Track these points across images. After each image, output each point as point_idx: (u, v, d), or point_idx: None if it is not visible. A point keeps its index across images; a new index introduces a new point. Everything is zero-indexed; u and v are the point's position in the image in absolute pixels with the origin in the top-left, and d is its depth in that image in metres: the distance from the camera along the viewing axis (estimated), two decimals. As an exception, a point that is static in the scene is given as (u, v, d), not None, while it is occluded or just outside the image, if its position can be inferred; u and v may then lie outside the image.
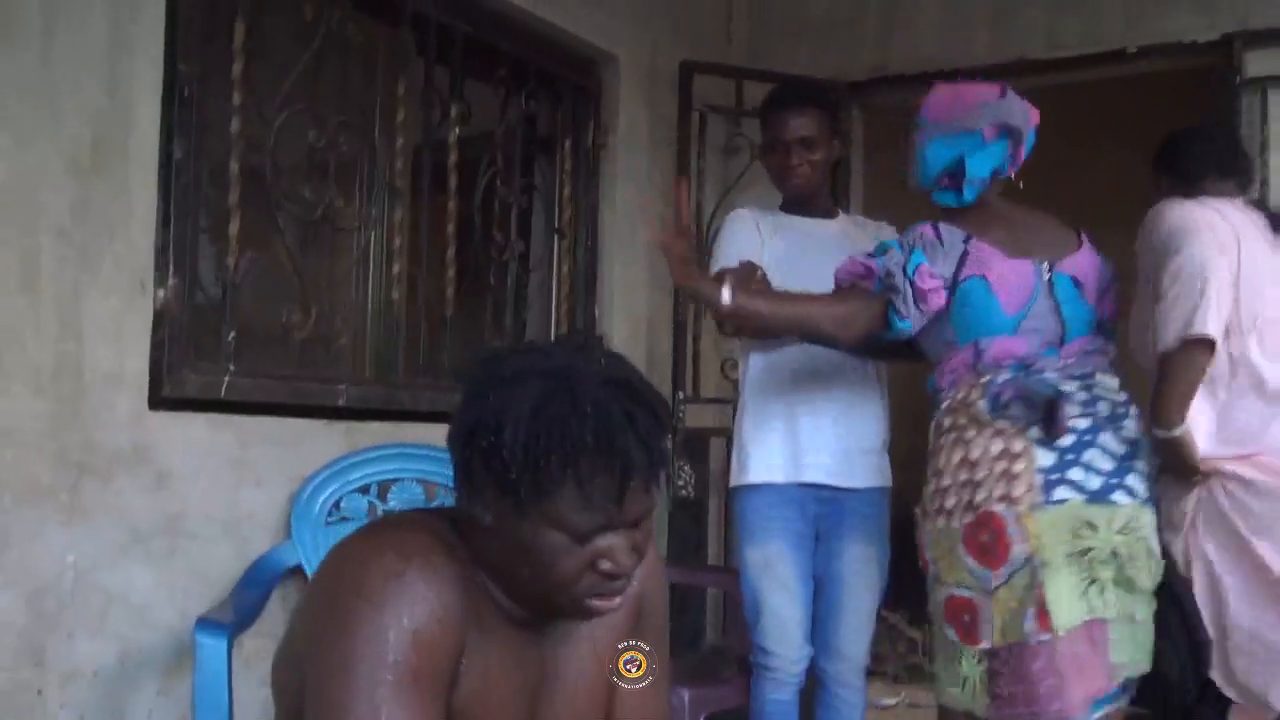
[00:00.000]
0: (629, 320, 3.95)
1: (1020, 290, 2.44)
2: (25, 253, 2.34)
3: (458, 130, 3.36)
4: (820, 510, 2.95)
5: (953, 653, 2.43)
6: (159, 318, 2.56)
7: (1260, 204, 3.09)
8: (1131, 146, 6.21)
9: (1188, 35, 3.77)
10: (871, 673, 3.19)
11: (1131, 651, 2.40)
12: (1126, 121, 6.24)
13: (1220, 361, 2.55)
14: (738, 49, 4.45)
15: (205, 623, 2.35)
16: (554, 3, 3.63)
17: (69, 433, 2.39)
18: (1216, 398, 2.58)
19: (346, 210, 3.08)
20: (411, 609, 1.32)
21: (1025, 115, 2.52)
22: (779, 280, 2.93)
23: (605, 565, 1.35)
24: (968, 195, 2.53)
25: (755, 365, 3.00)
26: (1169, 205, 2.63)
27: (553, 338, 1.41)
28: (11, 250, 2.32)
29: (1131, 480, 2.41)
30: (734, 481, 3.01)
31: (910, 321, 2.43)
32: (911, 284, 2.41)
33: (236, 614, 2.48)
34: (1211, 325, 2.46)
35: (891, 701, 4.99)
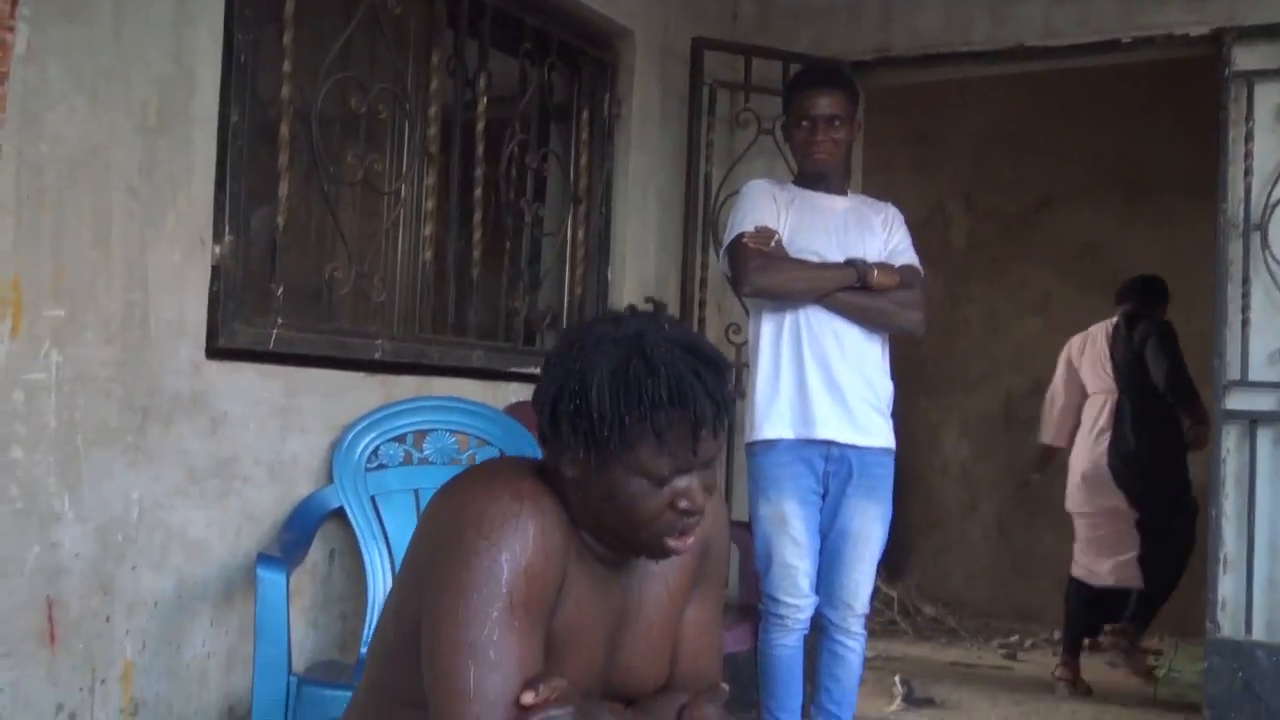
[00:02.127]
0: (639, 285, 4.12)
1: None
2: (98, 208, 2.48)
3: (485, 99, 3.50)
4: (829, 467, 3.15)
5: None
6: (216, 272, 2.71)
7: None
8: (1102, 127, 6.49)
9: (1179, 28, 3.96)
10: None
11: None
12: (1103, 103, 6.47)
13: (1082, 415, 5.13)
14: (743, 27, 4.61)
15: (265, 558, 2.52)
16: (576, -22, 3.78)
17: (135, 379, 2.55)
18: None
19: (383, 173, 3.23)
20: (524, 545, 1.50)
21: None
22: (793, 250, 3.14)
23: (683, 504, 1.55)
24: None
25: (767, 326, 3.18)
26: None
27: (625, 307, 1.63)
28: (86, 206, 2.46)
29: None
30: (748, 438, 3.21)
31: None
32: None
33: (285, 551, 2.65)
34: (1045, 436, 5.41)
35: (869, 654, 5.23)
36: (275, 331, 2.86)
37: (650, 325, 1.57)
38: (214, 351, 2.72)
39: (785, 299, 3.14)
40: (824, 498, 3.17)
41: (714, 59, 4.25)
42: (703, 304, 4.22)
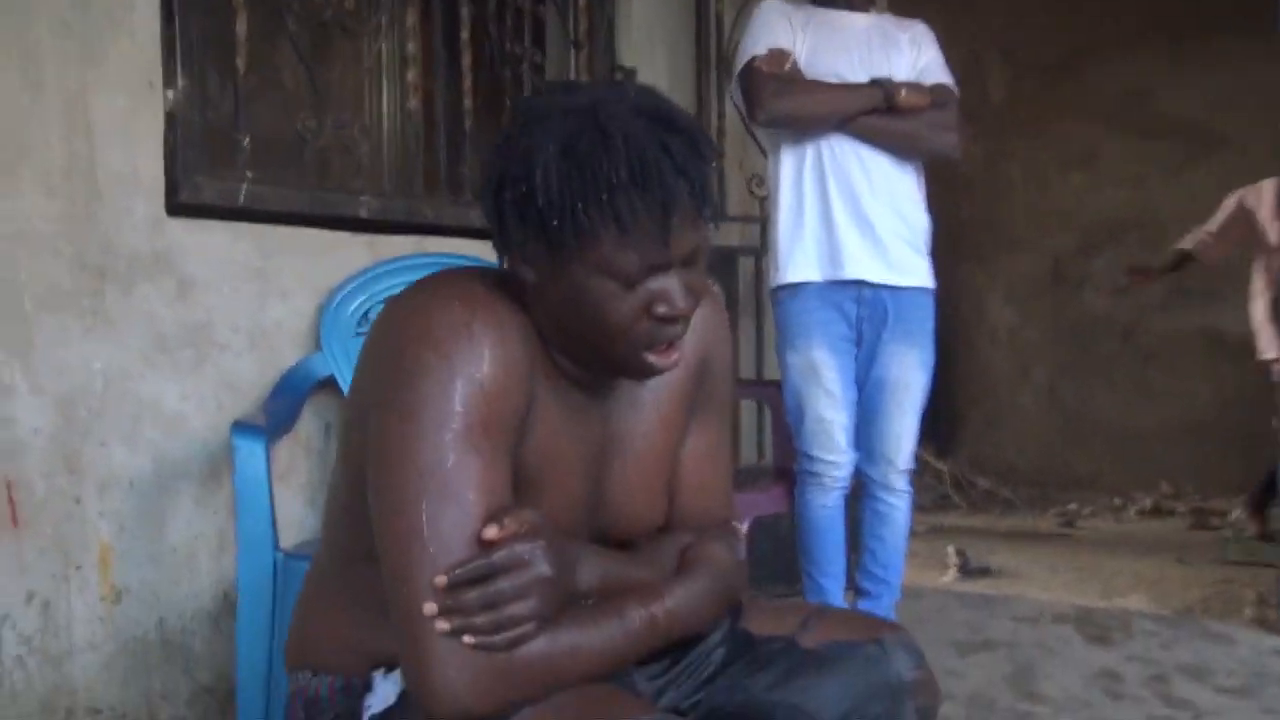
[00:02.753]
0: (651, 139, 3.82)
1: None
2: (25, 46, 2.22)
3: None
4: (861, 311, 2.87)
5: None
6: (170, 119, 2.45)
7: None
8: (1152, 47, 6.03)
9: None
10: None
11: None
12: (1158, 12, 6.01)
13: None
14: None
15: (242, 426, 2.29)
16: None
17: (85, 236, 2.31)
18: None
19: (357, 14, 2.93)
20: (479, 358, 1.25)
21: None
22: (811, 73, 2.84)
23: (660, 309, 1.27)
24: None
25: (787, 160, 2.89)
26: None
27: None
28: (10, 43, 2.21)
29: None
30: (771, 283, 2.94)
31: None
32: None
33: (270, 421, 2.42)
34: (1187, 242, 4.76)
35: (919, 529, 5.01)
36: (245, 186, 2.60)
37: (611, 93, 1.28)
38: (175, 208, 2.47)
39: (804, 126, 2.83)
40: (858, 345, 2.90)
41: (722, -114, 3.89)
42: (721, 155, 3.91)
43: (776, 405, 3.23)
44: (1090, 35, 6.36)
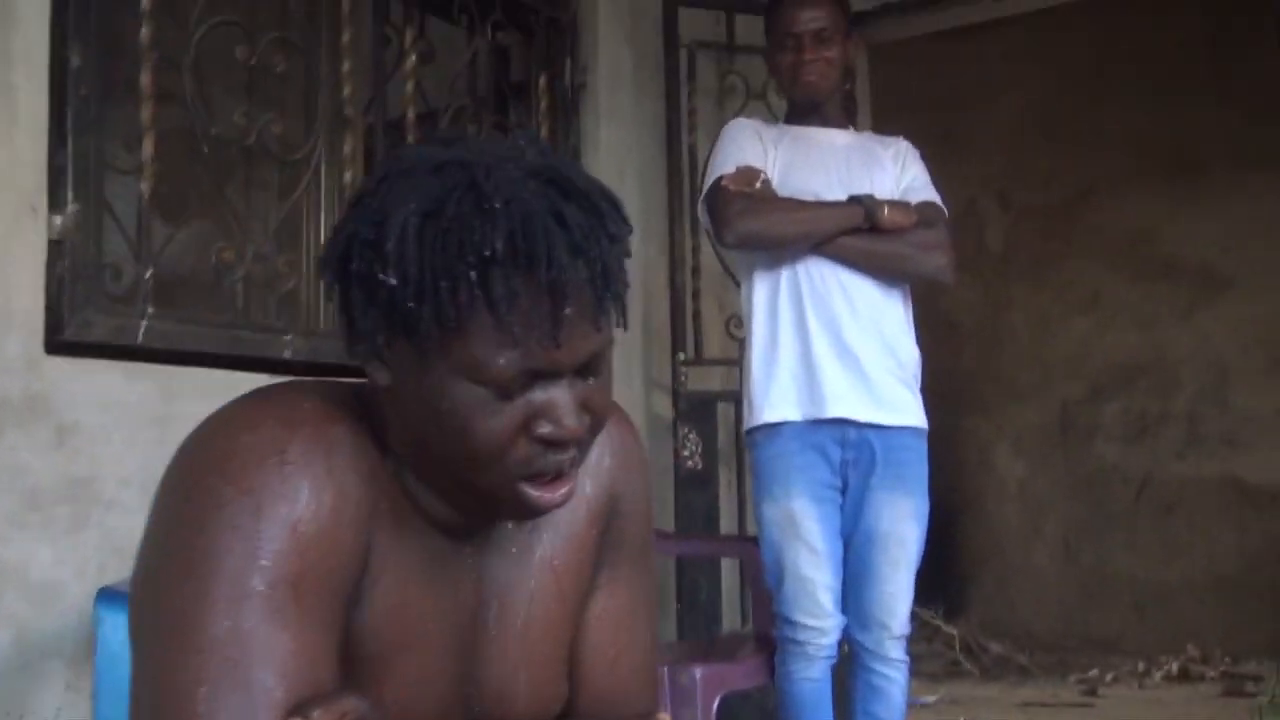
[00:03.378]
0: (620, 277, 3.57)
1: None
2: (-119, 162, 1.97)
3: (414, 57, 2.98)
4: (846, 455, 2.55)
5: None
6: (55, 247, 2.19)
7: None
8: (1142, 104, 5.90)
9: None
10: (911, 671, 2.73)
11: None
12: (1140, 78, 5.89)
13: None
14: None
15: (109, 593, 1.94)
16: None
17: (-57, 377, 2.01)
18: None
19: (285, 139, 2.70)
20: (292, 495, 0.95)
21: None
22: (785, 192, 2.59)
23: (543, 429, 0.97)
24: None
25: (761, 286, 2.62)
26: None
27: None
28: None
29: None
30: (746, 425, 2.64)
31: None
32: None
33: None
34: None
35: (931, 699, 4.59)
36: (145, 323, 2.32)
37: (498, 147, 0.99)
38: (57, 346, 2.18)
39: (777, 247, 2.57)
40: (843, 493, 2.57)
41: (691, 17, 3.73)
42: (696, 294, 3.66)
43: (756, 564, 2.88)
44: (1088, 176, 6.18)
